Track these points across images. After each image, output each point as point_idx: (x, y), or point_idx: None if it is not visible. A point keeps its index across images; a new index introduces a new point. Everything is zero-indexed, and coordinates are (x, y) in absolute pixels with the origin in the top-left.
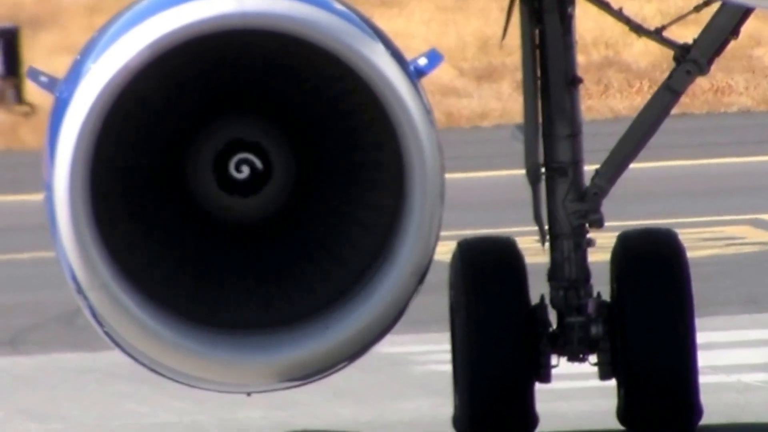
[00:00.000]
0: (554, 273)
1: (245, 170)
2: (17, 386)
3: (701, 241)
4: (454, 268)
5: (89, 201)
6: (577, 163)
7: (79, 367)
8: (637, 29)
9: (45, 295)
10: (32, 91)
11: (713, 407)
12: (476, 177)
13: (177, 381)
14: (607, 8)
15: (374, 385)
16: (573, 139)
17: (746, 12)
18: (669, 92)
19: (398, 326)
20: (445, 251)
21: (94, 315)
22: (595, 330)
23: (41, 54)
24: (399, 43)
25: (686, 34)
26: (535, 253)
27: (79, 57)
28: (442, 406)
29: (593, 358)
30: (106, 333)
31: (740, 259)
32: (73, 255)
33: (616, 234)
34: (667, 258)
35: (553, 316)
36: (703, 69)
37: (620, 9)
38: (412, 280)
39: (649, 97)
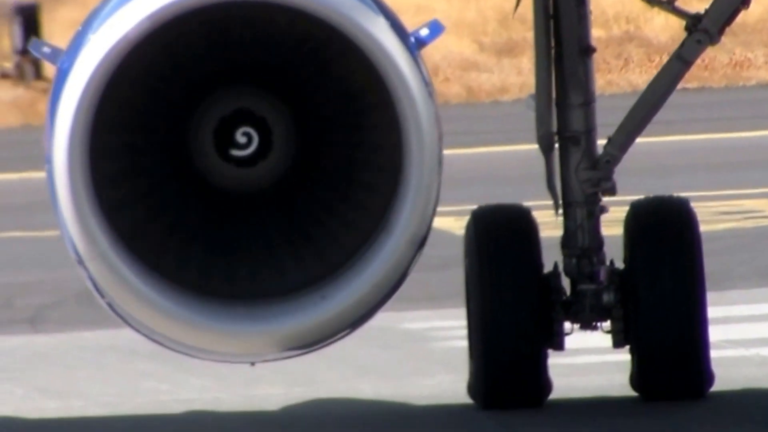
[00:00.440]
0: (567, 241)
1: (245, 141)
2: (37, 364)
3: (719, 214)
4: (468, 236)
5: (88, 171)
6: (590, 132)
7: (99, 345)
8: (650, 0)
9: (65, 273)
10: (51, 67)
11: (732, 381)
12: (496, 151)
13: (178, 351)
14: None
15: (395, 362)
16: (586, 107)
17: None
18: (680, 62)
19: (419, 302)
20: (463, 226)
21: (95, 286)
22: (608, 297)
23: (61, 30)
24: (420, 18)
25: (699, 6)
26: (554, 227)
27: (80, 28)
28: (463, 381)
29: (606, 326)
30: (108, 304)
31: (758, 233)
32: (72, 225)
33: None
34: (678, 226)
35: (566, 284)
36: (713, 39)
37: None
38: (409, 249)
39: None
